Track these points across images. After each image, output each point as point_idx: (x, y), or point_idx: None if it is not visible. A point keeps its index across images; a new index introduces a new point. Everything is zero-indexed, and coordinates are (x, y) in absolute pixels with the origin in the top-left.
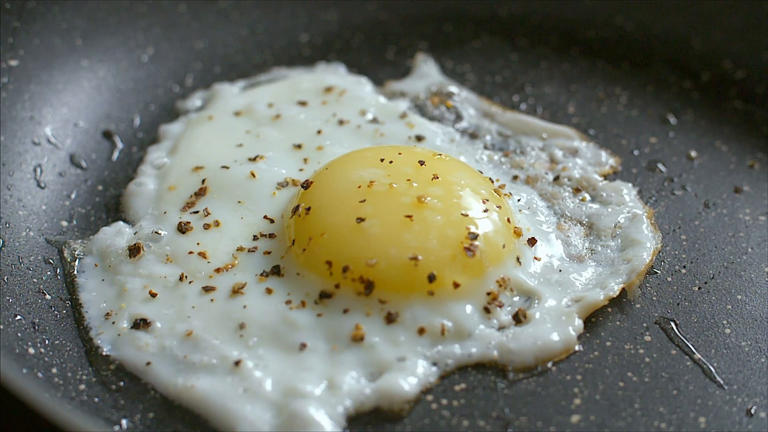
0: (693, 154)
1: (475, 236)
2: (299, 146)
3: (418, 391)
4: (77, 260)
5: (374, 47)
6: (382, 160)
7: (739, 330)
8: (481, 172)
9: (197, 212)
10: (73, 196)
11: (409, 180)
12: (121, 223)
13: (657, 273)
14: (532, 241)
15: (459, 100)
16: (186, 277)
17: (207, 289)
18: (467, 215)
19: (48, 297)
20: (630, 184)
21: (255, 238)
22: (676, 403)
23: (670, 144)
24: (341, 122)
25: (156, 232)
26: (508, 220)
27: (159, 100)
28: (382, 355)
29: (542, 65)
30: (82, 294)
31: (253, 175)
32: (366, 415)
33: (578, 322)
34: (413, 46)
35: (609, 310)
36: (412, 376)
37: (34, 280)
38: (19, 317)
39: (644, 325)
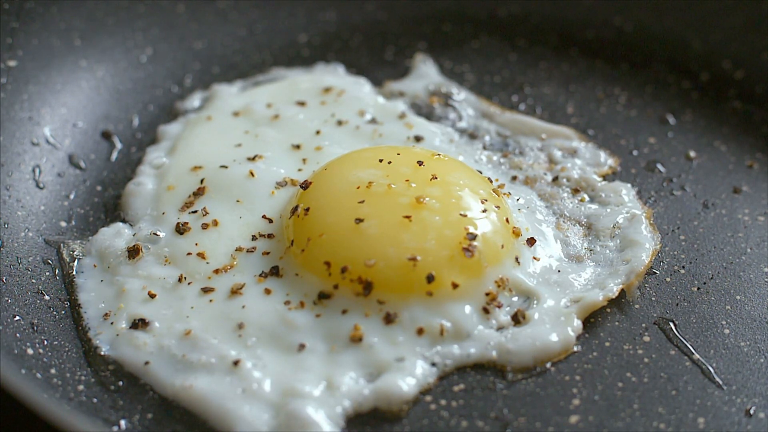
0: (692, 154)
1: (473, 237)
2: (298, 146)
3: (416, 391)
4: (76, 261)
5: (373, 47)
6: (380, 161)
7: (738, 330)
8: (480, 173)
9: (195, 212)
10: (71, 196)
11: (407, 180)
12: (120, 223)
13: (656, 273)
14: (531, 242)
15: (458, 101)
16: (185, 278)
17: (206, 290)
18: (466, 215)
19: (47, 297)
20: (629, 185)
21: (254, 238)
22: (675, 404)
23: (669, 144)
24: (340, 122)
25: (154, 234)
26: (507, 221)
27: (158, 101)
28: (380, 355)
29: (541, 65)
30: (81, 294)
31: (252, 175)
32: (364, 416)
33: (577, 323)
34: (412, 47)
35: (608, 310)
36: (410, 377)
37: (33, 280)
38: (17, 318)
39: (643, 325)
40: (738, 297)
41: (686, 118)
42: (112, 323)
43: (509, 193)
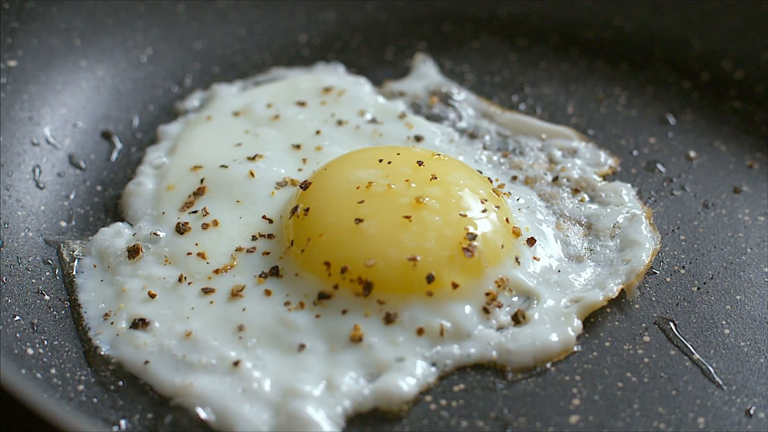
0: (692, 154)
1: (473, 237)
2: (298, 146)
3: (416, 391)
4: (76, 261)
5: (373, 47)
6: (380, 161)
7: (738, 330)
8: (480, 173)
9: (196, 212)
10: (71, 196)
11: (407, 180)
12: (120, 224)
13: (656, 273)
14: (531, 241)
15: (458, 101)
16: (185, 278)
17: (206, 291)
18: (466, 215)
19: (47, 297)
20: (629, 185)
21: (254, 238)
22: (675, 404)
23: (669, 144)
24: (340, 122)
25: (154, 233)
26: (507, 220)
27: (158, 101)
28: (380, 355)
29: (541, 65)
30: (81, 294)
31: (252, 175)
32: (365, 416)
33: (577, 323)
34: (412, 47)
35: (608, 310)
36: (410, 377)
37: (33, 280)
38: (17, 318)
39: (643, 325)
40: (738, 297)
41: (686, 118)
42: (112, 323)
43: (509, 193)
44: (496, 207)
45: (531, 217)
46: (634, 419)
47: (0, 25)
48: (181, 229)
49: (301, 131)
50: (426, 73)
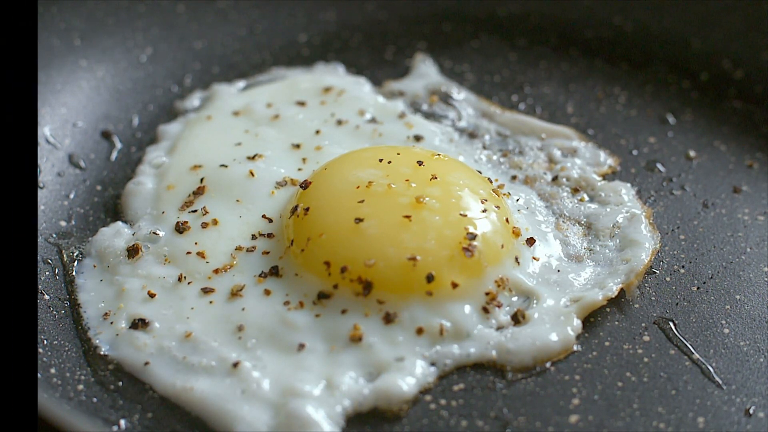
0: (692, 153)
1: (473, 236)
2: (298, 146)
3: (416, 391)
4: (76, 261)
5: (373, 47)
6: (380, 161)
7: (738, 330)
8: (480, 172)
9: (195, 211)
10: (71, 196)
11: (407, 180)
12: (120, 223)
13: (656, 273)
14: (530, 241)
15: (458, 100)
16: (185, 277)
17: (206, 291)
18: (466, 215)
19: (46, 297)
20: (629, 184)
21: (253, 237)
22: (675, 403)
23: (669, 144)
24: (340, 122)
25: (154, 233)
26: (507, 220)
27: (157, 101)
28: (380, 355)
29: (541, 65)
30: (81, 294)
31: (252, 174)
32: (364, 416)
33: (577, 323)
34: (412, 46)
35: (607, 310)
36: (410, 377)
37: None
38: None
39: (643, 325)
40: (738, 297)
41: (686, 118)
42: (111, 323)
43: (509, 194)
44: (496, 207)
45: (530, 217)
46: (633, 419)
47: None
48: (180, 229)
49: (301, 131)
50: (426, 73)
